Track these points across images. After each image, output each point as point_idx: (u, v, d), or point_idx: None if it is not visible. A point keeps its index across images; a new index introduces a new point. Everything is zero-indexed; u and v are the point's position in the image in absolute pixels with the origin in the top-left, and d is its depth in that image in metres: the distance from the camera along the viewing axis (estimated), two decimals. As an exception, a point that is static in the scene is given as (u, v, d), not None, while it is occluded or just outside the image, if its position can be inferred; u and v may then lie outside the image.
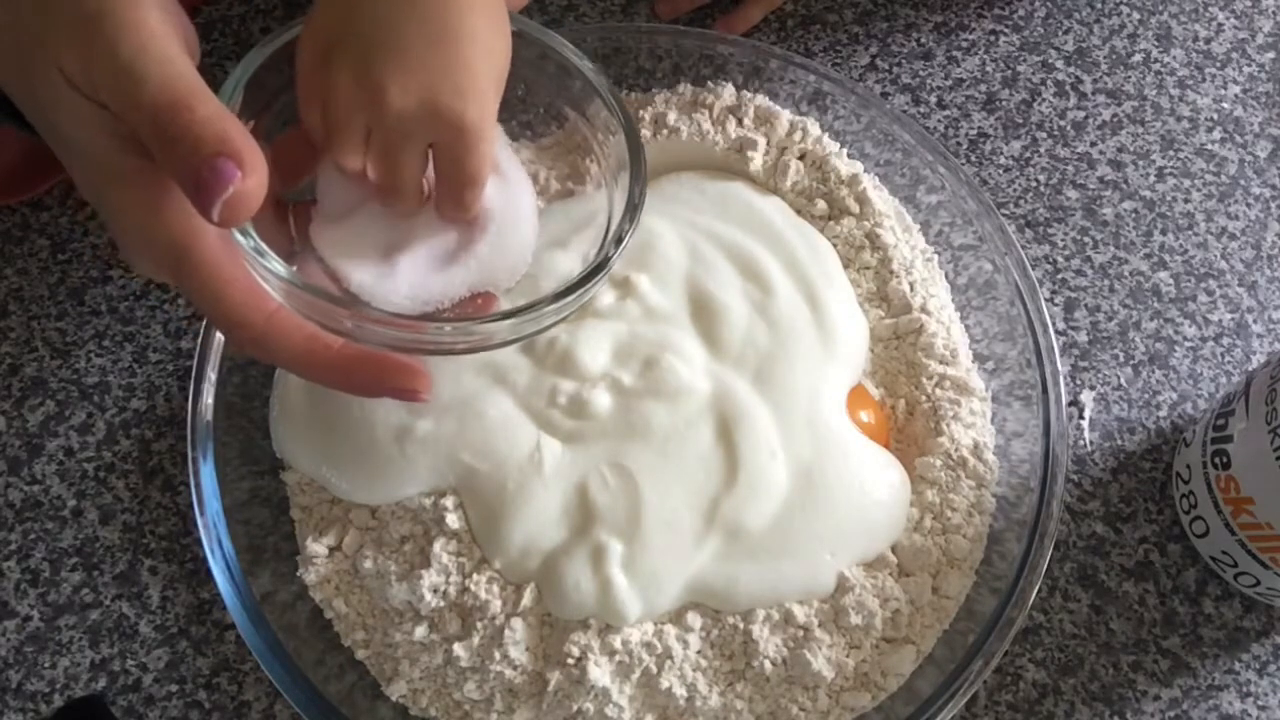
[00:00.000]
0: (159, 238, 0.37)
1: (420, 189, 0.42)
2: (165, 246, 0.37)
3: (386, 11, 0.38)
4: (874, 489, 0.49)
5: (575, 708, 0.46)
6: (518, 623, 0.47)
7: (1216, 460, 0.51)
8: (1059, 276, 0.60)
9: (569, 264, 0.52)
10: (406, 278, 0.41)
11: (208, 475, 0.49)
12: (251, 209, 0.34)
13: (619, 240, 0.42)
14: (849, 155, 0.58)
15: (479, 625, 0.47)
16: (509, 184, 0.43)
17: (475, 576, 0.47)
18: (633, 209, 0.43)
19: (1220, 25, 0.68)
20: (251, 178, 0.34)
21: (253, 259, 0.37)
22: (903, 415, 0.53)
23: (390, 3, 0.38)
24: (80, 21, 0.34)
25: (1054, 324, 0.56)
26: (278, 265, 0.37)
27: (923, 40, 0.66)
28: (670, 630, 0.47)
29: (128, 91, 0.34)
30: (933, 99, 0.65)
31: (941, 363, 0.53)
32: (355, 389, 0.40)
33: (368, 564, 0.48)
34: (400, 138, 0.39)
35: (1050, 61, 0.66)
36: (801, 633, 0.47)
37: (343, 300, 0.39)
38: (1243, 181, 0.63)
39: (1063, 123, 0.64)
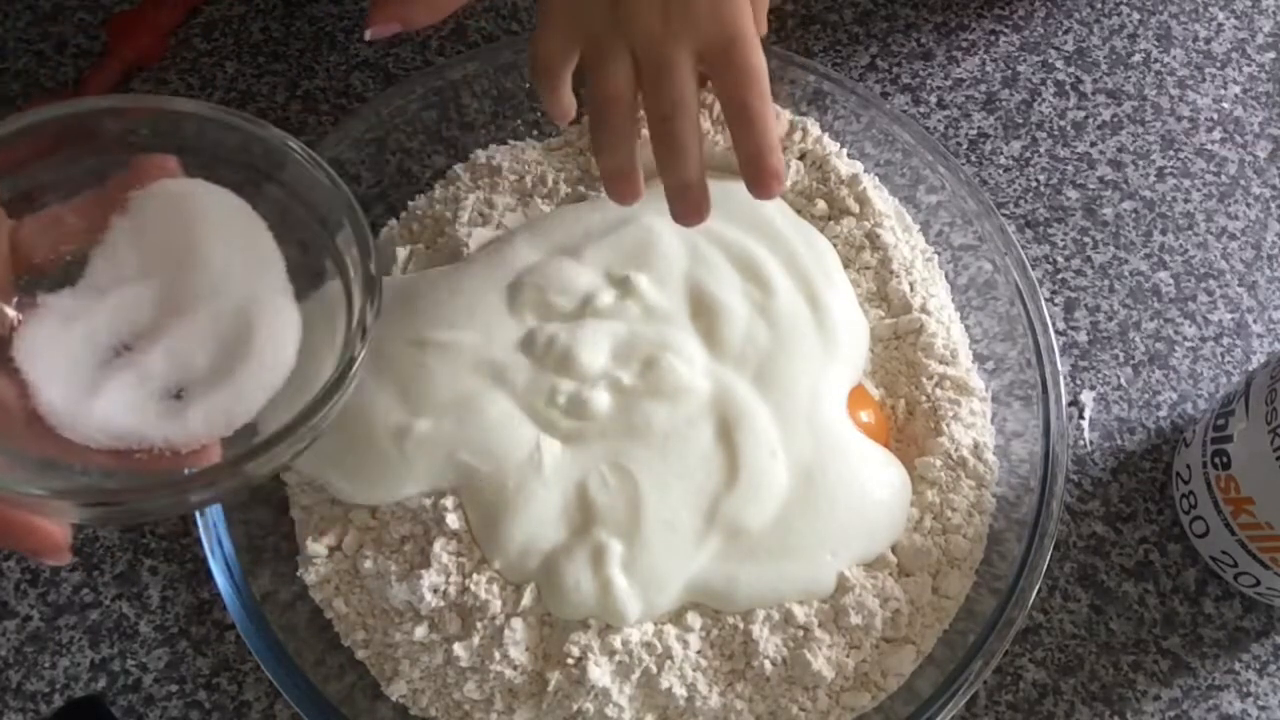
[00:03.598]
0: None
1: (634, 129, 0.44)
2: None
3: None
4: (874, 489, 0.49)
5: (575, 708, 0.46)
6: (518, 623, 0.47)
7: (1216, 460, 0.51)
8: (1059, 276, 0.60)
9: (586, 277, 0.51)
10: (109, 408, 0.35)
11: (208, 475, 0.49)
12: None
13: (364, 330, 0.37)
14: (849, 155, 0.58)
15: (479, 625, 0.47)
16: (272, 312, 0.38)
17: (475, 576, 0.47)
18: (371, 287, 0.37)
19: (1220, 25, 0.68)
20: None
21: None
22: (903, 415, 0.53)
23: None
24: None
25: (1054, 324, 0.56)
26: None
27: (923, 40, 0.66)
28: (670, 630, 0.47)
29: None
30: (933, 99, 0.65)
31: (941, 363, 0.53)
32: None
33: (368, 564, 0.48)
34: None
35: (1050, 61, 0.66)
36: (801, 633, 0.47)
37: None
38: (1243, 181, 0.63)
39: (1063, 123, 0.64)
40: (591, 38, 0.44)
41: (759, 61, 0.43)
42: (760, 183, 0.44)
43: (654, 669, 0.46)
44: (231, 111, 0.38)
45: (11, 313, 0.37)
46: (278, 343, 0.37)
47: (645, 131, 0.56)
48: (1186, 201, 0.63)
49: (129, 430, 0.35)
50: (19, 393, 0.35)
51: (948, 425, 0.52)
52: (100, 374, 0.36)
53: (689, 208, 0.45)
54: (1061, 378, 0.52)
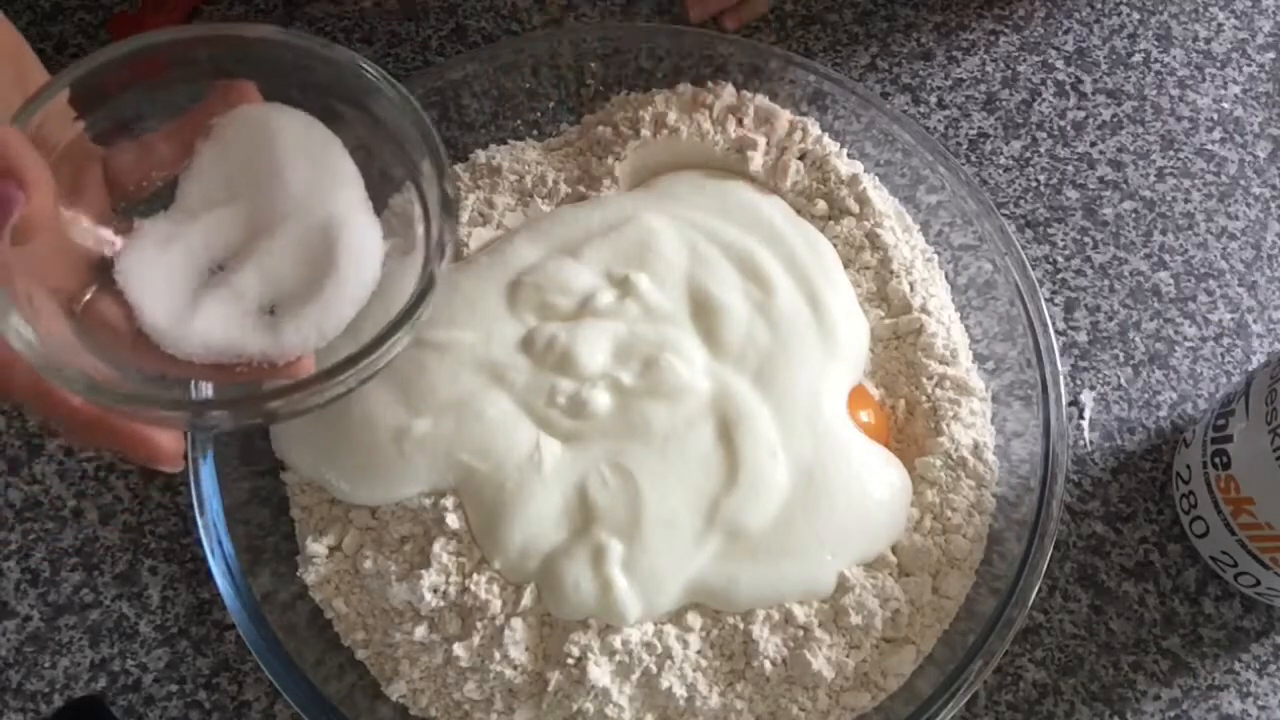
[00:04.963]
0: None
1: None
2: None
3: None
4: (874, 489, 0.49)
5: (575, 708, 0.46)
6: (518, 623, 0.47)
7: (1216, 460, 0.51)
8: (1059, 276, 0.60)
9: (586, 277, 0.51)
10: (208, 325, 0.37)
11: (208, 475, 0.49)
12: (40, 228, 0.32)
13: (443, 247, 0.38)
14: (849, 155, 0.58)
15: (479, 625, 0.47)
16: (355, 229, 0.39)
17: (475, 576, 0.47)
18: (448, 206, 0.38)
19: (1220, 25, 0.68)
20: (36, 195, 0.32)
21: (10, 341, 0.34)
22: (903, 415, 0.53)
23: None
24: None
25: (1054, 324, 0.56)
26: (27, 351, 0.34)
27: (923, 40, 0.66)
28: (670, 630, 0.47)
29: None
30: (933, 99, 0.65)
31: (941, 363, 0.53)
32: (94, 446, 0.37)
33: (368, 564, 0.48)
34: None
35: (1050, 61, 0.66)
36: (801, 633, 0.47)
37: (64, 380, 0.34)
38: (1243, 181, 0.63)
39: (1063, 123, 0.64)
40: None
41: None
42: None
43: (654, 669, 0.46)
44: (308, 37, 0.39)
45: (113, 237, 0.38)
46: (362, 258, 0.38)
47: (645, 132, 0.57)
48: (1186, 201, 0.63)
49: (228, 345, 0.37)
50: (124, 313, 0.37)
51: (948, 425, 0.52)
52: (197, 293, 0.38)
53: None
54: (1061, 378, 0.52)
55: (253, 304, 0.38)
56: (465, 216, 0.55)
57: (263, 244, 0.39)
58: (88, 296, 0.37)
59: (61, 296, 0.37)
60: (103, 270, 0.38)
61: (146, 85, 0.39)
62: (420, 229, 0.40)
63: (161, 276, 0.38)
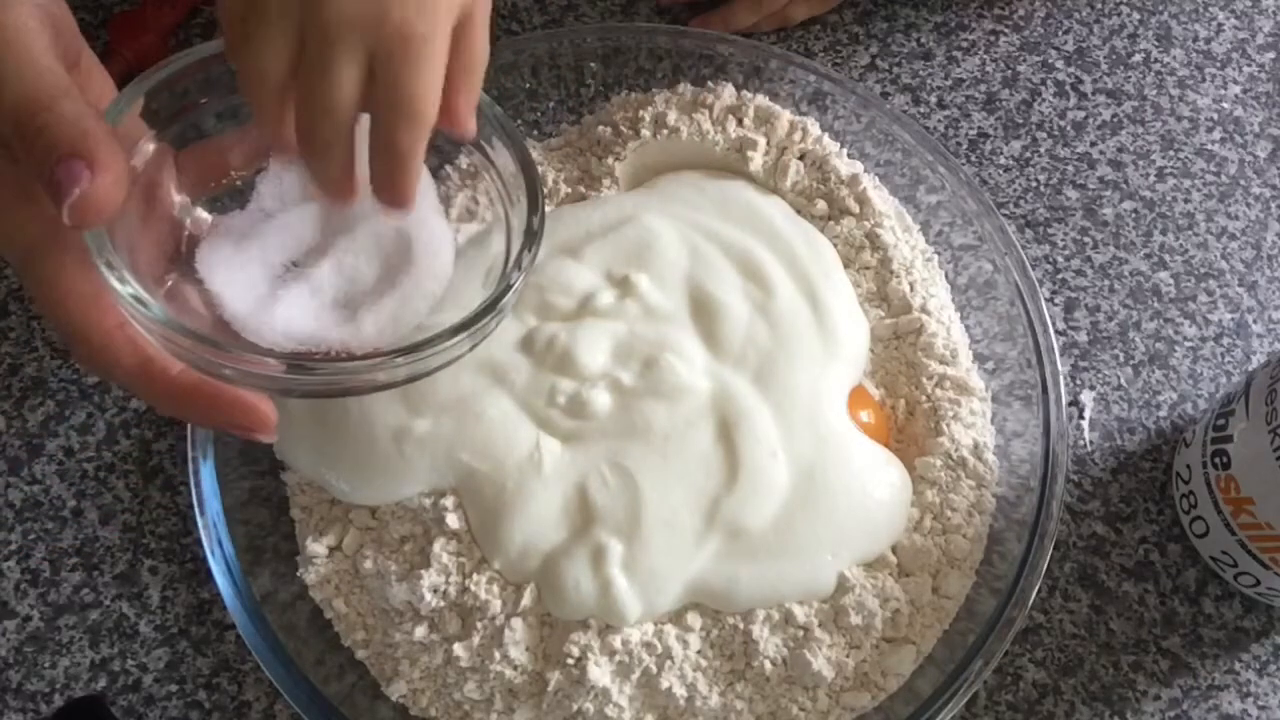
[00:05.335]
0: (13, 238, 0.36)
1: (349, 136, 0.37)
2: (17, 248, 0.36)
3: None
4: (875, 489, 0.49)
5: (575, 708, 0.46)
6: (518, 623, 0.47)
7: (1216, 460, 0.51)
8: (1059, 276, 0.60)
9: (586, 277, 0.51)
10: (289, 314, 0.39)
11: (208, 475, 0.49)
12: (102, 211, 0.33)
13: (520, 265, 0.40)
14: (849, 155, 0.58)
15: (479, 625, 0.47)
16: (428, 230, 0.41)
17: (475, 576, 0.47)
18: (532, 236, 0.41)
19: (1220, 25, 0.68)
20: (103, 177, 0.32)
21: (101, 273, 0.35)
22: (903, 415, 0.53)
23: None
24: None
25: (1054, 324, 0.56)
26: (118, 283, 0.35)
27: (923, 40, 0.66)
28: (670, 630, 0.47)
29: None
30: (933, 99, 0.65)
31: (941, 363, 0.53)
32: (191, 419, 0.39)
33: (368, 564, 0.48)
34: (334, 43, 0.35)
35: (1050, 61, 0.66)
36: (801, 633, 0.47)
37: (184, 333, 0.35)
38: (1243, 181, 0.63)
39: (1063, 123, 0.64)
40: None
41: (422, 87, 0.36)
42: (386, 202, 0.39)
43: (654, 669, 0.46)
44: None
45: (205, 215, 0.41)
46: (435, 256, 0.41)
47: (645, 132, 0.56)
48: (1186, 201, 0.63)
49: (308, 335, 0.39)
50: (205, 301, 0.39)
51: (948, 425, 0.52)
52: (275, 286, 0.39)
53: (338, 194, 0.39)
54: (1061, 378, 0.52)
55: (330, 297, 0.40)
56: (454, 214, 0.55)
57: (341, 242, 0.40)
58: (167, 286, 0.39)
59: (147, 280, 0.38)
60: (178, 262, 0.39)
61: (219, 92, 0.40)
62: (499, 244, 0.42)
63: (240, 269, 0.39)
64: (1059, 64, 0.66)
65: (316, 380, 0.38)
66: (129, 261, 0.36)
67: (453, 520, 0.48)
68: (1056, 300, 0.60)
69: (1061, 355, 0.57)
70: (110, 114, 0.37)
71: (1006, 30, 0.67)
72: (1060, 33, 0.67)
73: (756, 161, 0.56)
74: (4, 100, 0.33)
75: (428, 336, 0.38)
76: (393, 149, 0.37)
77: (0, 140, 0.34)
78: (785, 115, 0.57)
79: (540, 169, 0.57)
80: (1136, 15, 0.68)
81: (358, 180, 0.38)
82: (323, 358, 0.39)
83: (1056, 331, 0.57)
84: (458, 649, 0.46)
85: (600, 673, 0.46)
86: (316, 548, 0.49)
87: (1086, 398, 0.58)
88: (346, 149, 0.37)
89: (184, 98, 0.40)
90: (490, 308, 0.39)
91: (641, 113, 0.57)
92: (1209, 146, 0.64)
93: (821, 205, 0.56)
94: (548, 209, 0.55)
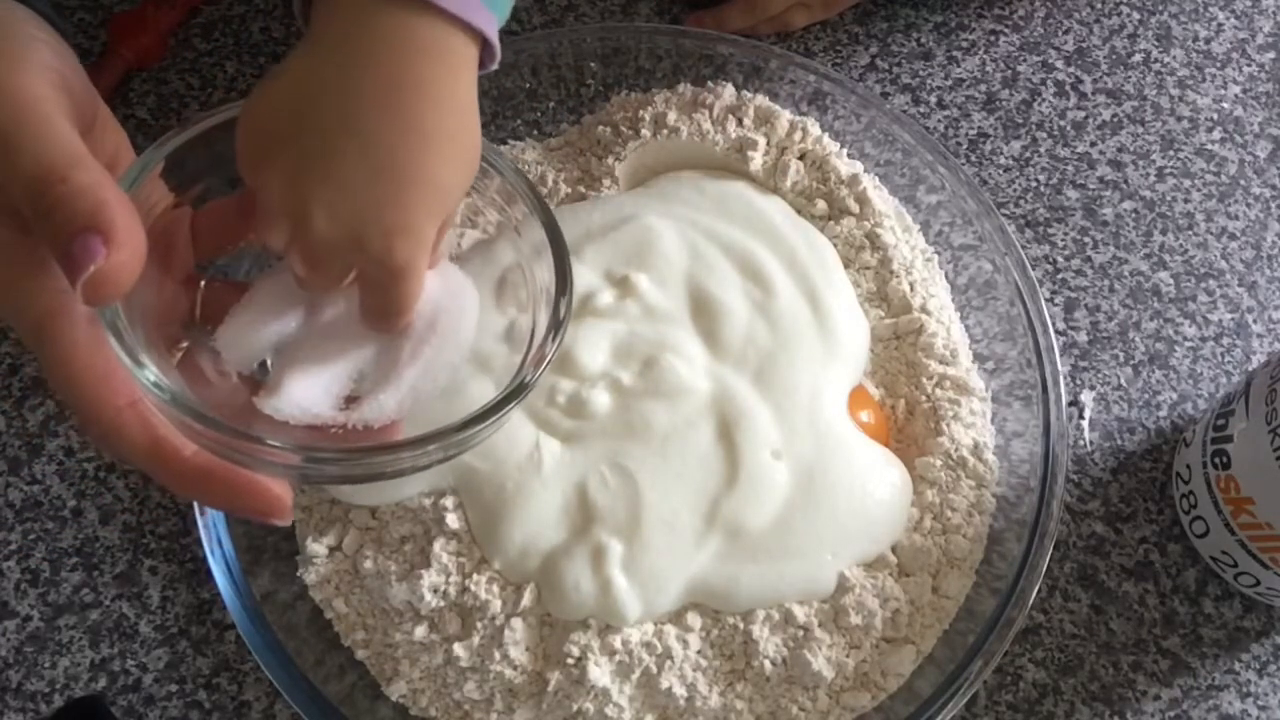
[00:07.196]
0: (24, 310, 0.35)
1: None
2: (27, 320, 0.35)
3: (333, 125, 0.35)
4: (875, 489, 0.49)
5: (575, 708, 0.46)
6: (518, 623, 0.47)
7: (1216, 460, 0.51)
8: (1059, 276, 0.60)
9: (586, 277, 0.51)
10: (302, 389, 0.38)
11: (208, 475, 0.49)
12: (119, 286, 0.32)
13: (540, 362, 0.39)
14: (849, 155, 0.58)
15: (479, 625, 0.47)
16: (459, 301, 0.41)
17: (475, 576, 0.47)
18: (557, 325, 0.40)
19: (1220, 25, 0.68)
20: (118, 253, 0.32)
21: (116, 355, 0.34)
22: (903, 415, 0.53)
23: (339, 119, 0.35)
24: None
25: (1054, 324, 0.56)
26: (135, 365, 0.34)
27: (923, 40, 0.66)
28: (670, 630, 0.47)
29: (3, 164, 0.32)
30: (933, 99, 0.65)
31: (941, 363, 0.53)
32: (206, 503, 0.38)
33: (368, 564, 0.48)
34: (322, 257, 0.36)
35: (1050, 61, 0.66)
36: (801, 633, 0.47)
37: (200, 419, 0.35)
38: (1243, 181, 0.63)
39: (1063, 123, 0.64)
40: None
41: (406, 298, 0.38)
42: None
43: (654, 669, 0.46)
44: None
45: (202, 295, 0.40)
46: (460, 326, 0.40)
47: (645, 132, 0.56)
48: (1186, 201, 0.63)
49: (324, 409, 0.38)
50: (218, 368, 0.38)
51: (948, 425, 0.52)
52: (292, 354, 0.38)
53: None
54: (1061, 378, 0.52)
55: (347, 367, 0.39)
56: (457, 218, 0.55)
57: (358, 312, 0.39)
58: (179, 354, 0.38)
59: (161, 349, 0.37)
60: (191, 328, 0.39)
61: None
62: (508, 255, 0.42)
63: (257, 337, 0.38)
64: (1059, 64, 0.66)
65: (335, 472, 0.37)
66: (142, 329, 0.35)
67: (453, 520, 0.48)
68: (1056, 300, 0.60)
69: (1061, 355, 0.57)
70: (126, 180, 0.36)
71: (1006, 30, 0.67)
72: (1060, 33, 0.67)
73: (756, 161, 0.56)
74: (18, 172, 0.32)
75: (450, 426, 0.37)
76: (381, 320, 0.38)
77: (11, 210, 0.34)
78: (785, 115, 0.57)
79: (540, 169, 0.57)
80: (1136, 15, 0.68)
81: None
82: (341, 438, 0.38)
83: (1056, 331, 0.57)
84: (458, 649, 0.46)
85: (600, 673, 0.46)
86: (316, 548, 0.49)
87: (1086, 398, 0.58)
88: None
89: (202, 160, 0.39)
90: (512, 396, 0.38)
91: (641, 113, 0.57)
92: (1209, 146, 0.64)
93: (821, 205, 0.56)
94: (552, 207, 0.56)
